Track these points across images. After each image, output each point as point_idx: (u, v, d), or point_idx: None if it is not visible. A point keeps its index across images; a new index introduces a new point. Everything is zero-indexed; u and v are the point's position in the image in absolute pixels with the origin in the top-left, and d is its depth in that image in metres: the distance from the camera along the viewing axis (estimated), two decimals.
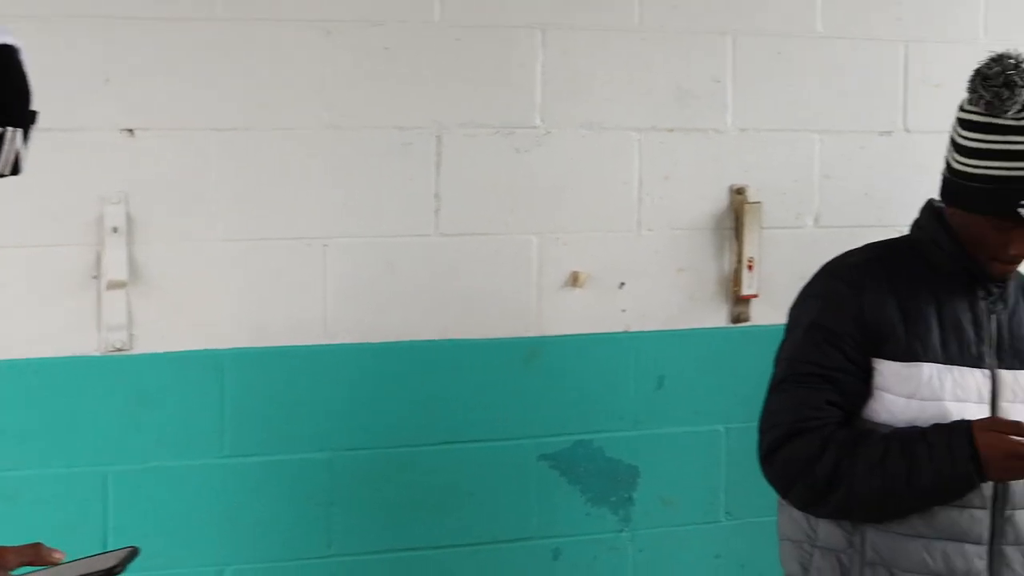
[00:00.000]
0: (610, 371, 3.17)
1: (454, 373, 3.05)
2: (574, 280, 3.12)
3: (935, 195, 2.35)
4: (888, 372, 2.25)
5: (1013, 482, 2.23)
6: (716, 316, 3.25)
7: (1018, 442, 2.13)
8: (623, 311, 3.17)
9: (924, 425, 2.21)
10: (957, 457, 2.14)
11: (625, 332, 3.18)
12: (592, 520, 3.18)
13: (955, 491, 2.19)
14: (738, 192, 3.22)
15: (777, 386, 2.32)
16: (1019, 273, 2.38)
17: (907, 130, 3.37)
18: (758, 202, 3.22)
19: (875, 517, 2.24)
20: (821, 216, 3.31)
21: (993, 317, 2.32)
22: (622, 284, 3.17)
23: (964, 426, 2.17)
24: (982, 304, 2.32)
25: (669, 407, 3.23)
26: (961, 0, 3.42)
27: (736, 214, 3.22)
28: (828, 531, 2.29)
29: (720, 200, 3.23)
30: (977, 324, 2.30)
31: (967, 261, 2.30)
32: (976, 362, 2.28)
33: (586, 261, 3.12)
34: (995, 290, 2.33)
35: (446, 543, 3.07)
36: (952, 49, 3.36)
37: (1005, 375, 2.29)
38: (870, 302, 2.26)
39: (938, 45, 3.38)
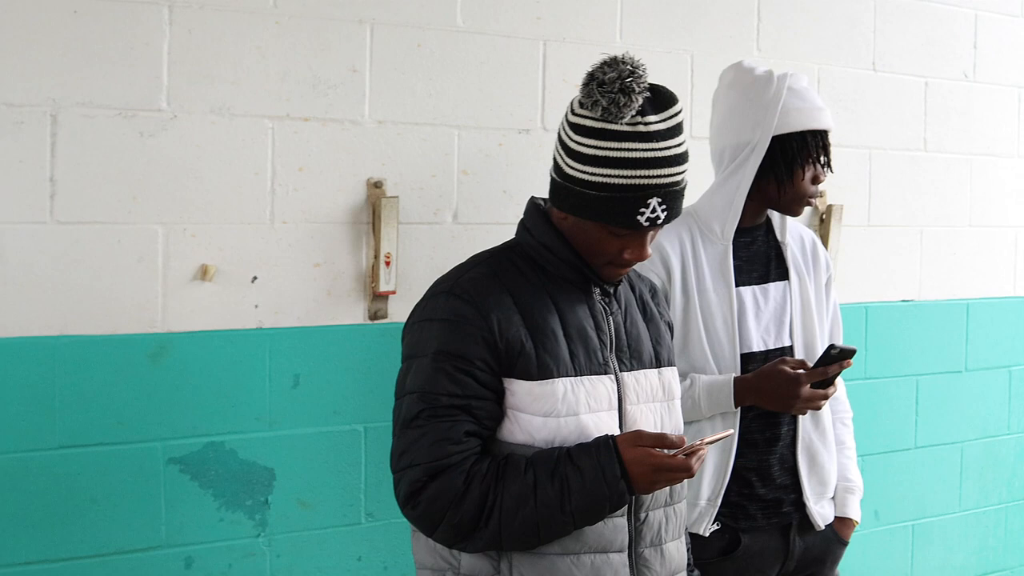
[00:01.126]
0: (243, 369, 3.08)
1: (73, 372, 2.90)
2: (203, 273, 3.01)
3: None
4: (522, 392, 2.21)
5: None
6: (353, 312, 3.20)
7: (662, 455, 2.16)
8: (256, 306, 3.09)
9: (563, 441, 2.20)
10: (608, 477, 2.14)
11: (258, 328, 3.10)
12: (226, 526, 3.08)
13: (609, 510, 2.19)
14: (375, 186, 3.18)
15: (410, 423, 2.21)
16: None
17: (545, 128, 3.42)
18: (395, 196, 3.19)
19: (527, 545, 2.20)
20: (460, 212, 3.31)
21: (611, 319, 2.33)
22: (255, 278, 3.08)
23: (610, 444, 2.17)
24: (599, 306, 2.32)
25: (306, 406, 3.16)
26: (598, 3, 3.52)
27: (373, 208, 3.17)
28: (472, 559, 2.24)
29: (357, 193, 3.18)
30: (599, 329, 2.30)
31: (581, 265, 2.28)
32: (603, 368, 2.28)
33: (216, 254, 3.03)
34: (610, 291, 2.35)
35: (68, 555, 2.91)
36: (589, 50, 3.45)
37: (627, 377, 2.31)
38: (498, 322, 2.21)
39: (576, 46, 3.46)
